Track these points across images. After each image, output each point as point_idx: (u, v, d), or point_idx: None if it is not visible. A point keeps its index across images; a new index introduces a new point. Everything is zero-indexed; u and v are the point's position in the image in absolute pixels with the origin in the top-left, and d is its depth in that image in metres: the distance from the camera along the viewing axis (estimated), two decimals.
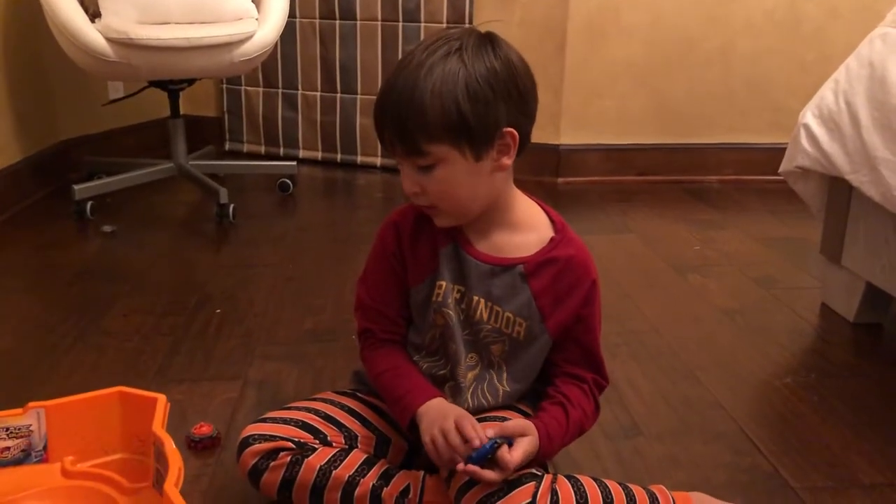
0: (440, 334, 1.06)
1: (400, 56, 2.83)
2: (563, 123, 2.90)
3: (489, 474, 0.93)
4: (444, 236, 1.05)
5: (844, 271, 1.72)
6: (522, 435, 0.96)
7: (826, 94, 1.68)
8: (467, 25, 2.80)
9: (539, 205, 1.09)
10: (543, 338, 1.05)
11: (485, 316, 1.04)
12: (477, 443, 0.92)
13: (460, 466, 0.93)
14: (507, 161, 0.99)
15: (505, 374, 1.07)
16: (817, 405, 1.39)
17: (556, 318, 1.04)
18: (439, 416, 0.97)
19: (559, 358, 1.07)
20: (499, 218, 1.04)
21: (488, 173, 0.99)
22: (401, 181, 1.01)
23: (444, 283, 1.04)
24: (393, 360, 1.08)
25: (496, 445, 0.93)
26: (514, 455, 0.93)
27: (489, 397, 1.07)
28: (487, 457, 0.93)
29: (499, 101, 0.95)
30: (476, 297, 1.04)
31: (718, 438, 1.29)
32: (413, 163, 0.97)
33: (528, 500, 0.93)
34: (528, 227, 1.06)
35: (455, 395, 1.07)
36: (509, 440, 0.95)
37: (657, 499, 1.01)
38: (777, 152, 1.90)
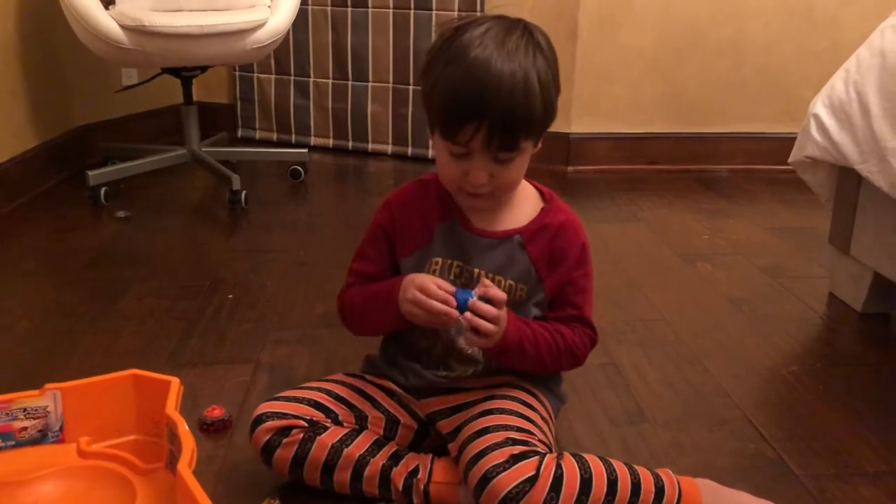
0: None
1: (412, 43, 2.84)
2: (573, 111, 2.90)
3: (485, 324, 0.97)
4: (440, 213, 1.09)
5: (852, 261, 1.73)
6: (499, 303, 0.99)
7: (836, 83, 1.67)
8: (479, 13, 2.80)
9: (527, 180, 1.13)
10: (539, 296, 1.10)
11: None
12: (450, 288, 0.99)
13: (464, 316, 0.97)
14: (540, 144, 1.05)
15: None
16: (822, 394, 1.40)
17: (552, 280, 1.09)
18: (408, 283, 1.02)
19: (552, 317, 1.11)
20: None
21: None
22: (452, 170, 1.00)
23: (439, 260, 1.08)
24: (365, 286, 1.12)
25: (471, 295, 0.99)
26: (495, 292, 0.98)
27: (479, 352, 1.11)
28: (467, 303, 0.98)
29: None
30: (477, 270, 1.08)
31: (723, 425, 1.30)
32: (495, 155, 0.98)
33: (531, 473, 0.94)
34: (521, 199, 1.11)
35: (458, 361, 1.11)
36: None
37: (662, 480, 1.02)
38: (787, 142, 1.90)
